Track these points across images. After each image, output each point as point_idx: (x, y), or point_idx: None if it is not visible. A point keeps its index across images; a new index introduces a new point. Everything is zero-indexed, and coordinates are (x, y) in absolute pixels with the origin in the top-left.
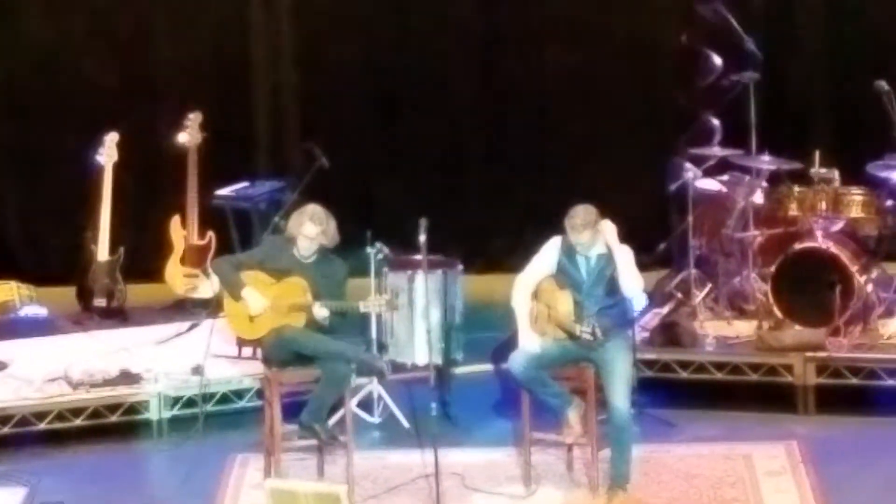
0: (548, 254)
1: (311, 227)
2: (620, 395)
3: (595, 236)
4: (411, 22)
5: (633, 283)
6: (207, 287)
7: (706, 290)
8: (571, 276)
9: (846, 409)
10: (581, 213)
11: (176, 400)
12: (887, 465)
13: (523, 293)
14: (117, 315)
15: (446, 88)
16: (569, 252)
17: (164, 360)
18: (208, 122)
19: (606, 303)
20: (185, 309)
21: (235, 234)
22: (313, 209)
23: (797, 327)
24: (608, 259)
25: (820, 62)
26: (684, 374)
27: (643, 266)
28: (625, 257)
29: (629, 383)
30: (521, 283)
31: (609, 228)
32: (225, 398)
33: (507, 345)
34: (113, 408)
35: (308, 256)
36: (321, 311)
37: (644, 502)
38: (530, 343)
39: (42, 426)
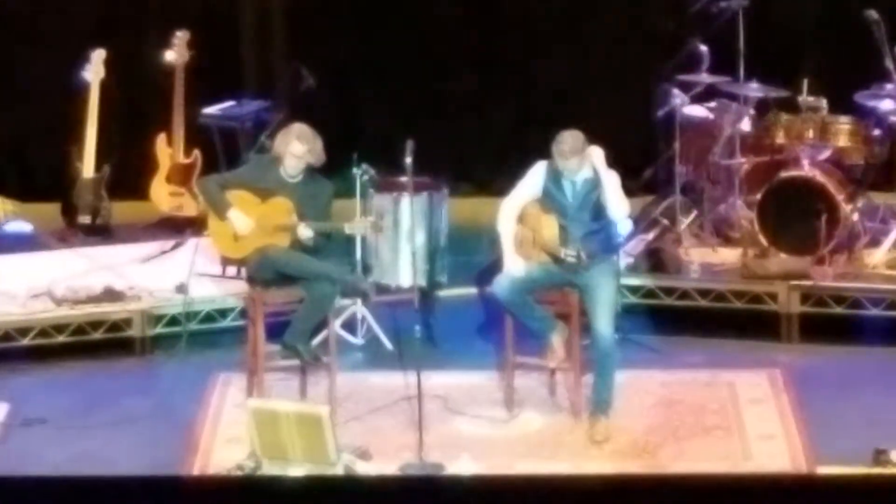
0: (533, 178)
1: (298, 146)
2: (604, 320)
3: (582, 162)
4: None
5: (619, 207)
6: (192, 205)
7: (692, 216)
8: (557, 201)
9: (829, 338)
10: (569, 139)
11: (159, 318)
12: (869, 393)
13: (509, 217)
14: (102, 232)
15: (434, 9)
16: (555, 176)
17: (148, 277)
18: (196, 40)
19: (592, 227)
20: (169, 227)
21: (221, 152)
22: (300, 128)
23: (782, 255)
24: (594, 184)
25: None
26: (668, 301)
27: (629, 192)
28: (612, 181)
29: (613, 309)
30: (506, 207)
31: (597, 153)
32: (208, 317)
33: (492, 268)
34: (96, 325)
35: (294, 176)
36: (306, 232)
37: (626, 428)
38: (515, 267)
39: (25, 342)
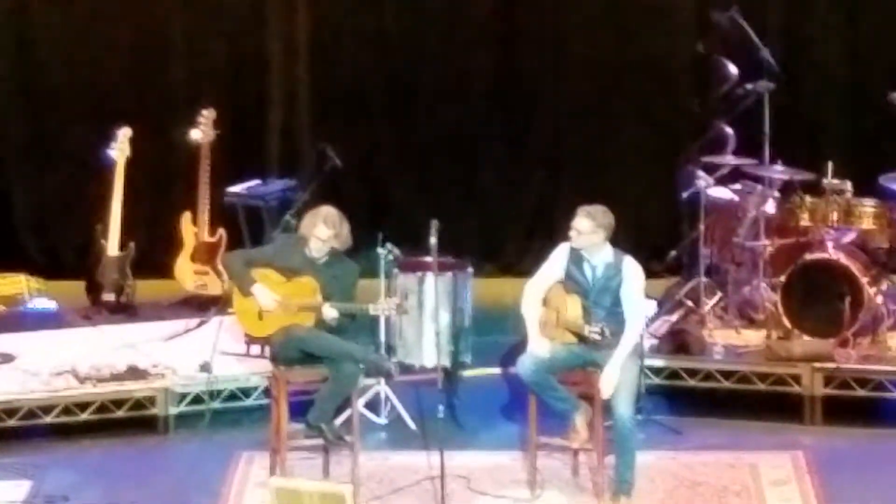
0: (556, 260)
1: (323, 230)
2: (624, 401)
3: (592, 239)
4: (428, 22)
5: (635, 312)
6: (217, 284)
7: (716, 298)
8: (579, 283)
9: (853, 421)
10: (578, 217)
11: (183, 396)
12: (892, 476)
13: (533, 299)
14: (126, 310)
15: (461, 92)
16: (576, 259)
17: (171, 356)
18: (221, 119)
19: (614, 311)
20: (193, 305)
21: (246, 231)
22: (327, 211)
23: (806, 338)
24: (615, 271)
25: (834, 73)
26: (692, 382)
27: (653, 273)
28: (633, 287)
29: (634, 390)
30: (530, 289)
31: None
32: (232, 395)
33: (516, 349)
34: (119, 403)
35: (320, 258)
36: (330, 312)
37: None
38: (539, 347)
39: (48, 419)
